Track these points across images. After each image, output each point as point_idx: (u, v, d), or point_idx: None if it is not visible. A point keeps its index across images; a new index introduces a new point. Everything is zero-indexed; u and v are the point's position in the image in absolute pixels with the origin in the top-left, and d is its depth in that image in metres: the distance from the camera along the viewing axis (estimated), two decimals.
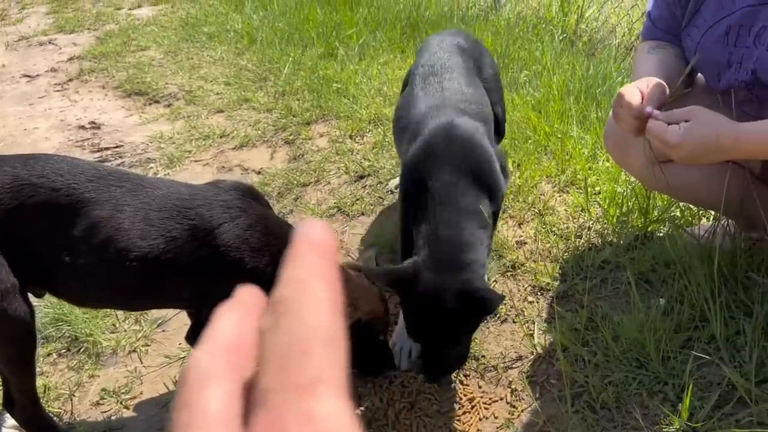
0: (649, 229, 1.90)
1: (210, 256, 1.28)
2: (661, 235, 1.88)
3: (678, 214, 1.91)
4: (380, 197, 2.39)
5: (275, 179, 2.62)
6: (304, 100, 3.24)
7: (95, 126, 3.30)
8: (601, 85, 2.83)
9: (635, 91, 1.32)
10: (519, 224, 2.10)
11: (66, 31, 5.04)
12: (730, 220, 1.60)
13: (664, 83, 1.34)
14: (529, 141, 2.53)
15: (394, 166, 2.52)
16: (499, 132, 1.95)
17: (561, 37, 3.61)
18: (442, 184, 1.44)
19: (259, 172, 2.72)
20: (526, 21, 3.98)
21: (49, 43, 4.79)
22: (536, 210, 2.14)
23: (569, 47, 3.50)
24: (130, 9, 5.52)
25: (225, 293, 0.31)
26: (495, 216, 1.56)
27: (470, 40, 2.02)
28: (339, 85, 3.30)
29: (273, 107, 3.23)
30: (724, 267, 1.53)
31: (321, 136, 2.92)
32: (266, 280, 0.36)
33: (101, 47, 4.44)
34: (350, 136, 2.85)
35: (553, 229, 2.03)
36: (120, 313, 1.93)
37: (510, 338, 1.71)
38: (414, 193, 1.49)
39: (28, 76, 4.13)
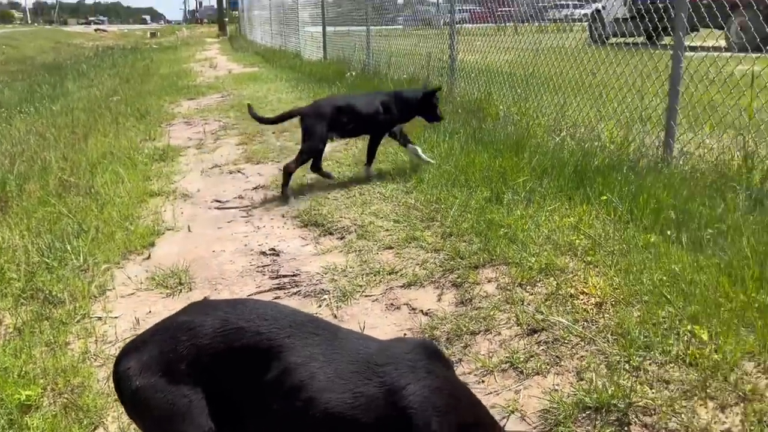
0: None
1: (395, 417, 1.27)
2: None
3: None
4: (557, 356, 2.29)
5: (444, 323, 2.61)
6: (471, 243, 3.28)
7: (275, 253, 3.55)
8: None
9: None
10: (721, 408, 1.90)
11: (252, 162, 5.64)
12: None
13: None
14: (722, 309, 2.34)
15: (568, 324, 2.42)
16: None
17: (746, 194, 3.41)
18: None
19: (426, 314, 2.74)
20: (704, 175, 3.83)
21: (238, 172, 5.36)
22: (740, 393, 1.93)
23: (757, 206, 3.29)
24: None
25: None
26: None
27: None
28: (506, 230, 3.32)
29: (440, 247, 3.31)
30: None
31: (489, 281, 2.91)
32: None
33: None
34: (520, 285, 2.81)
35: (765, 420, 1.80)
36: None
37: None
38: None
39: (219, 201, 4.62)
